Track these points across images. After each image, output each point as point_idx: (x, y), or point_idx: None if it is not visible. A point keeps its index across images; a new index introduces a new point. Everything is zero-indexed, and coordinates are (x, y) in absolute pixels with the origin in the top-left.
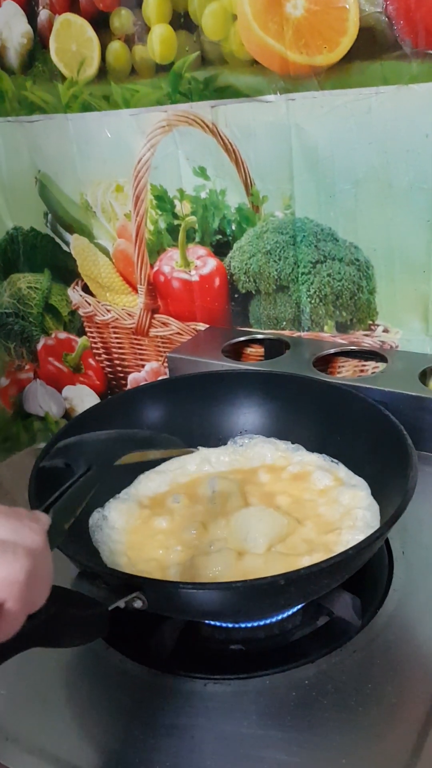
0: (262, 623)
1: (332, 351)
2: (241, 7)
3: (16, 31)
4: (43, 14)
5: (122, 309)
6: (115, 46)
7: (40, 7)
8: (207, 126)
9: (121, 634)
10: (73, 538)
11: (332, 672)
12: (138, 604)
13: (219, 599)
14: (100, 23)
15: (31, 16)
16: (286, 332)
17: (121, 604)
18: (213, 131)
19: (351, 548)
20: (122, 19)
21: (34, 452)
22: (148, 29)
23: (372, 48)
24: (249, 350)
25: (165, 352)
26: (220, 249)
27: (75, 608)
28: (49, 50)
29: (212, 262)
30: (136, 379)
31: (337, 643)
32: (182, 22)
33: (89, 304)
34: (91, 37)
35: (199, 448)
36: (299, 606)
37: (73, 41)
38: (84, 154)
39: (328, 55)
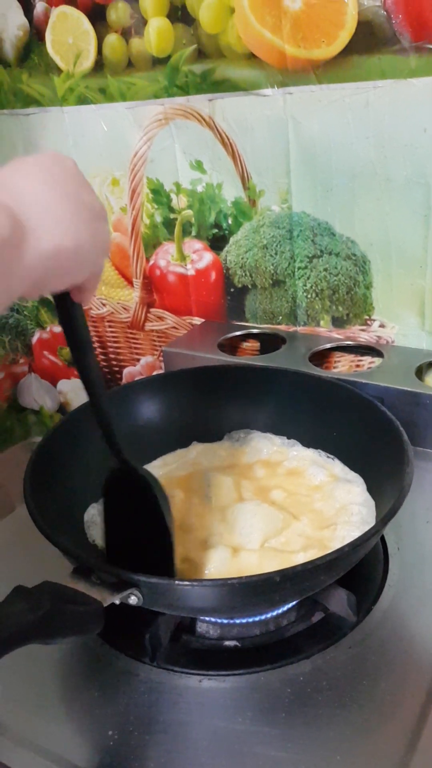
0: (257, 619)
1: (328, 346)
2: (238, 0)
3: (12, 24)
4: (40, 6)
5: (117, 303)
6: (112, 39)
7: (37, 0)
8: (204, 119)
9: (116, 629)
10: (67, 533)
11: (327, 668)
12: (133, 600)
13: (214, 596)
14: (97, 16)
15: (28, 9)
16: (282, 327)
17: (116, 600)
18: (210, 125)
19: (346, 545)
20: (119, 12)
21: (28, 446)
22: (145, 22)
23: (370, 42)
24: (245, 345)
25: (160, 346)
26: (217, 243)
27: (70, 604)
28: (45, 43)
29: (208, 256)
30: (131, 373)
31: (332, 639)
32: (179, 14)
33: None
34: (87, 30)
35: (195, 443)
36: (294, 602)
37: (70, 34)
38: (80, 147)
39: (326, 49)
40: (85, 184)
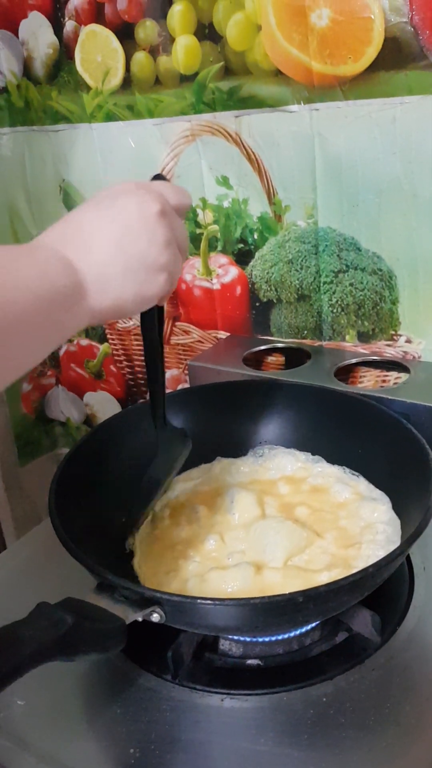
0: (279, 638)
1: (354, 361)
2: (265, 18)
3: (42, 42)
4: (69, 25)
5: None
6: (140, 57)
7: (66, 18)
8: (230, 136)
9: (140, 645)
10: (92, 548)
11: (350, 690)
12: (156, 617)
13: (237, 615)
14: (125, 34)
15: (57, 27)
16: (308, 341)
17: (138, 617)
18: (236, 141)
19: (371, 566)
20: (147, 30)
21: (55, 457)
22: (172, 40)
23: (397, 58)
24: (270, 359)
25: (186, 359)
26: (242, 258)
27: (92, 621)
28: (74, 61)
29: (234, 271)
30: None
31: (355, 660)
32: (207, 32)
33: None
34: (116, 48)
35: (219, 458)
36: (317, 622)
37: (99, 52)
38: (108, 163)
39: (353, 65)
40: (156, 235)
